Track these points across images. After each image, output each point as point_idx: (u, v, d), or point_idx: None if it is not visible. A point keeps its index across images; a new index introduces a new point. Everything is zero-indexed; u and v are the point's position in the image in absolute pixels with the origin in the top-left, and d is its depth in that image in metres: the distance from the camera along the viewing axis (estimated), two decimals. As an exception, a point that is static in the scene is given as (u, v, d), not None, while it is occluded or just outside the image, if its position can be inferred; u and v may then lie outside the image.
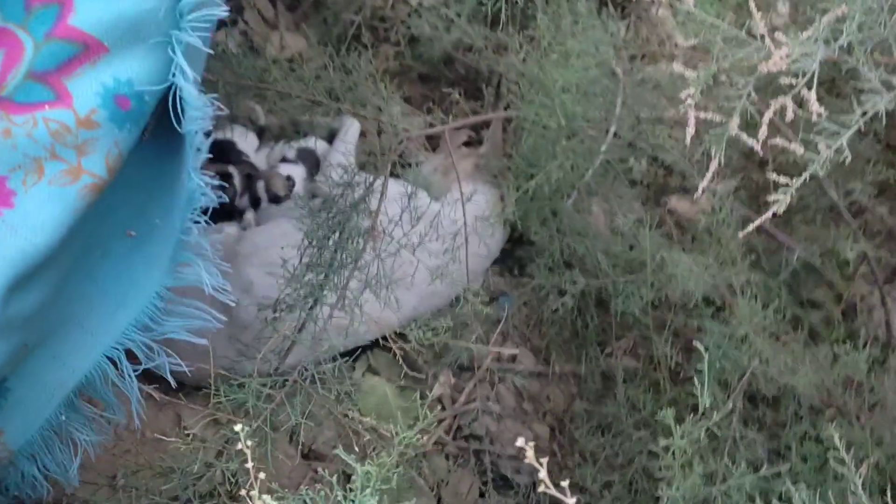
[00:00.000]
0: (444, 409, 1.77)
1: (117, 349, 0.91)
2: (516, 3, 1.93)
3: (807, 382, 1.45)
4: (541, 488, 0.69)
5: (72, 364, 0.88)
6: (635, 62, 1.84)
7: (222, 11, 0.79)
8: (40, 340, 0.86)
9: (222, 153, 1.89)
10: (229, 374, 1.14)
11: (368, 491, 0.75)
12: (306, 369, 1.10)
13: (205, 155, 0.81)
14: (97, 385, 0.91)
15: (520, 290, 1.78)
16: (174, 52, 0.76)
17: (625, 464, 1.53)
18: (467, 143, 2.06)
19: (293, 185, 1.85)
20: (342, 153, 1.86)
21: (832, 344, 1.56)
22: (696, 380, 1.30)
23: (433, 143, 2.10)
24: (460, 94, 2.14)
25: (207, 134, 0.82)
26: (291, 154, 1.98)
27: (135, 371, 0.93)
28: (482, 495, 1.66)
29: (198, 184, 0.81)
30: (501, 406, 1.80)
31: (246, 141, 2.01)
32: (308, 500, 0.78)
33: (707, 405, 1.02)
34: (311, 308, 1.13)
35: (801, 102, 0.78)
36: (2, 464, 0.87)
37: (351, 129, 1.96)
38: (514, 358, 1.85)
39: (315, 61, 2.20)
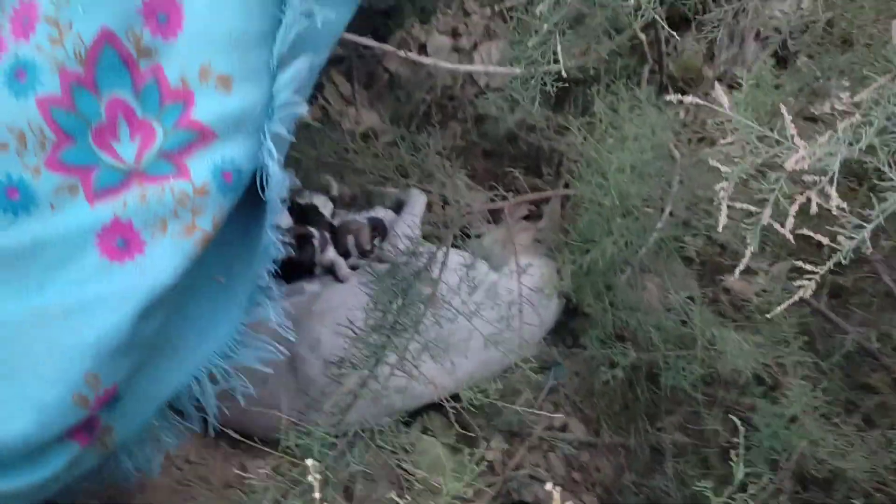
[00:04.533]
0: (494, 473, 1.81)
1: (202, 371, 1.10)
2: (578, 87, 2.06)
3: (858, 466, 1.45)
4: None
5: (167, 381, 1.08)
6: (693, 144, 1.92)
7: (303, 109, 1.02)
8: (148, 360, 1.05)
9: (305, 216, 2.03)
10: (296, 423, 1.23)
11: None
12: (367, 422, 1.18)
13: (280, 216, 1.03)
14: (183, 399, 1.11)
15: (572, 360, 1.83)
16: (265, 138, 0.99)
17: (672, 539, 1.55)
18: (527, 217, 2.15)
19: (382, 238, 1.97)
20: (408, 224, 1.97)
21: (886, 430, 1.56)
22: (735, 455, 1.33)
23: (495, 215, 2.20)
24: (522, 171, 2.25)
25: (283, 201, 1.05)
26: (363, 221, 2.10)
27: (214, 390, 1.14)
28: (529, 561, 1.68)
29: (272, 239, 1.03)
30: (551, 474, 1.83)
31: (325, 206, 2.15)
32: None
33: (741, 477, 1.05)
34: (374, 367, 1.22)
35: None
36: (107, 454, 1.05)
37: (418, 202, 2.07)
38: (564, 427, 1.89)
39: (387, 135, 2.36)
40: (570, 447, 1.81)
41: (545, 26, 1.59)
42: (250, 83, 0.97)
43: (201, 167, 0.98)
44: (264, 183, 1.00)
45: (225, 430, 1.66)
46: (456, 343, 1.35)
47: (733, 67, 2.28)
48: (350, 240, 1.94)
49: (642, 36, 2.22)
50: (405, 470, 1.46)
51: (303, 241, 1.86)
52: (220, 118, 0.97)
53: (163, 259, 0.96)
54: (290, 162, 2.01)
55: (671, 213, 1.80)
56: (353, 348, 1.27)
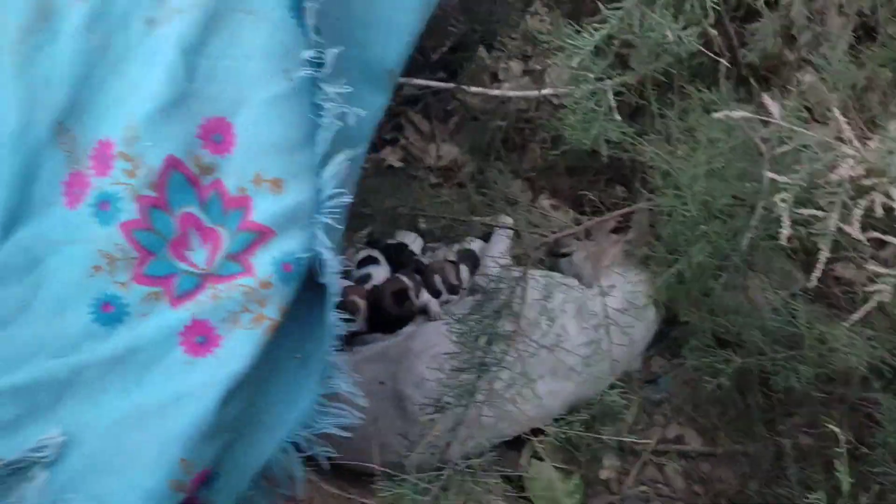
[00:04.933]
0: (611, 493, 1.80)
1: (287, 442, 1.20)
2: (654, 93, 2.03)
3: None
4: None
5: (258, 454, 1.19)
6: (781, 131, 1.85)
7: (348, 199, 1.13)
8: (238, 437, 1.16)
9: (399, 255, 2.11)
10: (391, 471, 1.30)
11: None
12: (457, 464, 1.23)
13: (336, 298, 1.13)
14: (273, 468, 1.20)
15: (676, 370, 1.80)
16: (317, 229, 1.11)
17: (803, 548, 1.48)
18: (616, 230, 2.13)
19: (475, 269, 2.02)
20: (497, 253, 2.00)
21: None
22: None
23: (587, 231, 2.19)
24: (604, 185, 2.23)
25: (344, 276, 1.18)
26: (453, 256, 2.14)
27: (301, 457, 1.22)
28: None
29: (334, 320, 1.14)
30: (671, 488, 1.80)
31: (414, 243, 2.22)
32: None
33: (848, 488, 1.01)
34: (465, 407, 1.26)
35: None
36: None
37: (505, 230, 2.10)
38: (679, 438, 1.86)
39: (468, 166, 2.41)
40: (686, 460, 1.78)
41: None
42: (299, 182, 1.09)
43: (263, 262, 1.09)
44: (319, 269, 1.11)
45: (341, 465, 1.76)
46: (543, 374, 1.36)
47: (817, 48, 2.18)
48: (437, 280, 2.00)
49: (713, 32, 2.17)
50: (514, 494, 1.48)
51: (401, 295, 1.93)
52: (276, 217, 1.09)
53: (237, 349, 1.06)
54: (377, 205, 2.11)
55: (764, 209, 1.74)
56: (442, 388, 1.30)
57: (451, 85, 2.10)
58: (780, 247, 1.78)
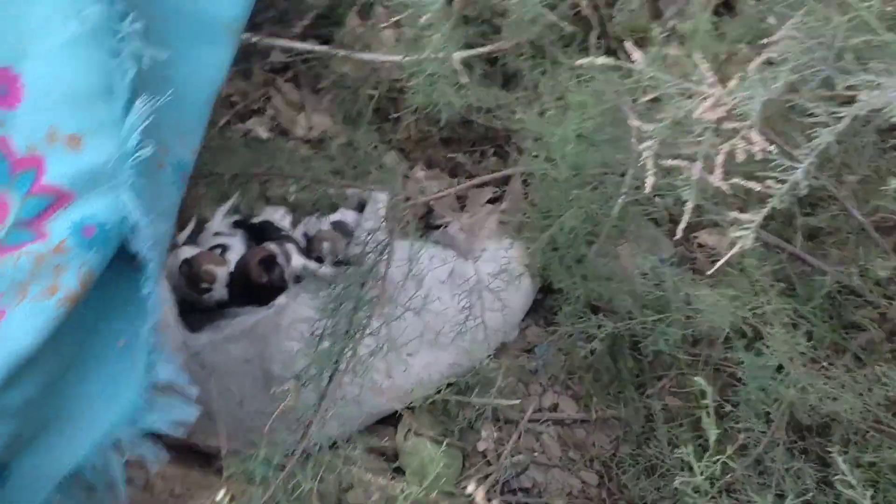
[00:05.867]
0: (489, 463, 1.78)
1: (106, 441, 1.05)
2: (526, 62, 2.01)
3: (850, 408, 1.42)
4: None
5: (65, 456, 1.03)
6: (649, 104, 1.88)
7: (148, 152, 0.96)
8: (36, 433, 1.00)
9: (263, 233, 1.99)
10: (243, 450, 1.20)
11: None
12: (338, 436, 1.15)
13: (154, 267, 0.98)
14: (87, 472, 1.05)
15: (552, 338, 1.80)
16: (121, 190, 0.96)
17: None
18: (491, 201, 2.11)
19: (348, 242, 1.93)
20: (371, 224, 1.93)
21: (875, 366, 1.53)
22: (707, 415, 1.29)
23: (460, 202, 2.16)
24: (480, 154, 2.21)
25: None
26: (326, 227, 2.06)
27: (124, 460, 1.07)
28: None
29: (152, 295, 0.99)
30: (547, 455, 1.81)
31: (283, 220, 2.11)
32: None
33: (714, 440, 1.02)
34: (330, 379, 1.18)
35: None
36: None
37: (379, 201, 2.03)
38: (555, 406, 1.86)
39: (341, 137, 2.32)
40: (561, 427, 1.78)
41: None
42: (101, 137, 0.95)
43: (59, 227, 0.95)
44: (130, 236, 0.97)
45: (209, 454, 1.64)
46: (417, 347, 1.31)
47: (680, 21, 2.23)
48: (325, 247, 1.91)
49: (583, 2, 2.18)
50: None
51: (268, 262, 1.82)
52: (74, 177, 0.95)
53: (22, 324, 0.92)
54: (244, 178, 1.98)
55: (634, 177, 1.76)
56: (308, 360, 1.23)
57: (323, 48, 2.00)
58: (648, 213, 1.82)
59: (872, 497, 1.37)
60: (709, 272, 1.07)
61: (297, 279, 1.88)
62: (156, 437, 1.07)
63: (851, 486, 0.96)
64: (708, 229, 2.08)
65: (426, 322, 1.40)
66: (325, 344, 1.20)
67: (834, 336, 1.61)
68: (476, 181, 1.65)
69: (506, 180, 1.93)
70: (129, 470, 1.13)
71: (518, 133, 1.82)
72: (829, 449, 1.50)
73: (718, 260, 1.93)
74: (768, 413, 1.50)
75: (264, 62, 2.44)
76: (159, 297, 0.99)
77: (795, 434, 1.55)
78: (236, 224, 2.03)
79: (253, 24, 1.98)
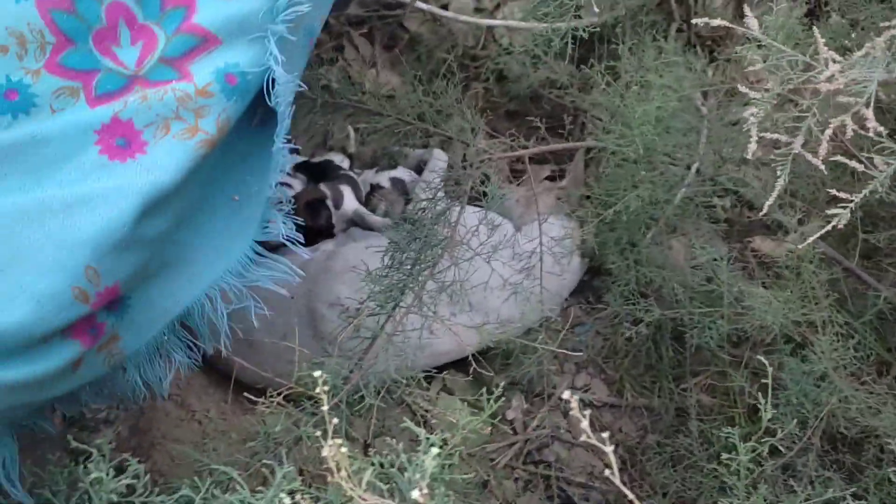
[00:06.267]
0: (515, 433, 1.80)
1: (214, 289, 1.09)
2: (602, 40, 2.01)
3: (889, 424, 1.41)
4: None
5: (178, 296, 1.07)
6: (721, 101, 1.87)
7: (305, 7, 0.98)
8: (157, 271, 1.04)
9: (322, 172, 2.01)
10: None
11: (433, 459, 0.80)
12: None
13: (287, 123, 1.00)
14: (195, 316, 1.10)
15: (595, 318, 1.81)
16: (269, 41, 0.97)
17: (696, 497, 1.52)
18: (550, 178, 2.12)
19: (406, 200, 1.94)
20: (429, 182, 1.94)
21: (920, 388, 1.51)
22: (766, 412, 1.29)
23: (518, 176, 2.16)
24: (546, 130, 2.21)
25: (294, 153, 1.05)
26: (385, 181, 2.07)
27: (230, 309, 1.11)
28: (550, 520, 1.67)
29: (282, 149, 1.01)
30: (573, 434, 1.81)
31: (343, 163, 2.12)
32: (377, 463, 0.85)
33: (769, 418, 1.02)
34: (391, 310, 1.20)
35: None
36: (114, 364, 1.04)
37: (439, 160, 2.05)
38: (587, 388, 1.87)
39: (409, 97, 2.33)
40: (590, 408, 1.79)
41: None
42: None
43: (204, 70, 0.96)
44: (270, 88, 0.98)
45: (246, 385, 1.67)
46: (475, 288, 1.31)
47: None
48: (383, 206, 1.91)
49: (670, -9, 2.16)
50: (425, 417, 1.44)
51: (316, 205, 1.84)
52: (223, 22, 0.95)
53: (165, 158, 0.94)
54: (307, 121, 2.00)
55: (698, 171, 1.76)
56: (370, 291, 1.24)
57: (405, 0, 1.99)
58: (707, 209, 1.81)
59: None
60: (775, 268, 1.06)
61: (352, 223, 1.89)
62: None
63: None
64: (762, 236, 2.06)
65: (487, 273, 1.41)
66: (393, 276, 1.22)
67: (881, 352, 1.59)
68: (544, 148, 1.66)
69: (569, 157, 1.93)
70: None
71: (587, 112, 1.82)
72: (862, 465, 1.49)
73: (772, 265, 1.93)
74: (805, 421, 1.49)
75: (340, 13, 2.46)
76: (286, 153, 1.01)
77: (829, 444, 1.54)
78: (296, 167, 2.05)
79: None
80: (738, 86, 0.90)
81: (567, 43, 1.80)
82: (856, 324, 1.60)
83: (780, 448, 1.47)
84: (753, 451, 1.07)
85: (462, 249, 1.26)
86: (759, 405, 1.61)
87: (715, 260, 1.72)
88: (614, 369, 1.86)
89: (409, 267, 1.22)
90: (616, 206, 1.53)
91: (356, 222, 1.82)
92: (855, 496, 1.43)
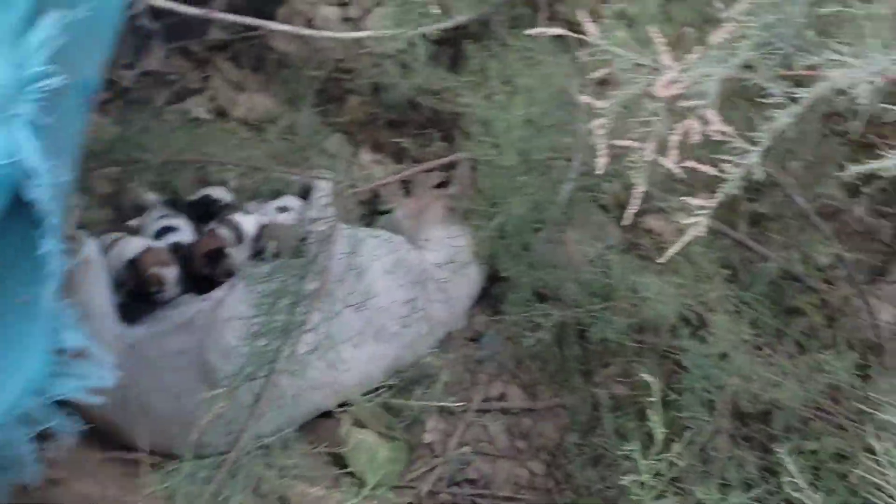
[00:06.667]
0: (435, 455, 1.75)
1: (10, 415, 0.92)
2: (474, 44, 1.97)
3: (792, 395, 1.43)
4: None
5: None
6: (596, 89, 1.85)
7: (58, 82, 0.80)
8: None
9: (205, 209, 1.89)
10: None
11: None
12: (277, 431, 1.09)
13: (55, 220, 0.83)
14: None
15: (498, 327, 1.77)
16: (18, 125, 0.79)
17: (617, 496, 1.51)
18: (440, 185, 2.07)
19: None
20: (317, 211, 1.86)
21: (815, 353, 1.54)
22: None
23: (407, 186, 2.10)
24: (432, 136, 2.16)
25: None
26: (270, 213, 1.96)
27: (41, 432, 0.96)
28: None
29: (51, 250, 0.84)
30: (494, 446, 1.78)
31: (224, 196, 2.01)
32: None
33: (663, 438, 1.00)
34: (267, 378, 1.12)
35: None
36: None
37: (321, 188, 1.96)
38: (502, 396, 1.84)
39: (284, 118, 2.23)
40: (508, 416, 1.76)
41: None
42: None
43: None
44: (24, 181, 0.81)
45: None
46: (362, 338, 1.26)
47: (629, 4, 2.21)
48: (272, 245, 1.80)
49: (530, -19, 2.14)
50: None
51: (215, 255, 1.74)
52: None
53: None
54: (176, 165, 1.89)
55: (581, 163, 1.74)
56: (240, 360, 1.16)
57: (261, 22, 1.90)
58: (595, 199, 1.80)
59: (813, 484, 1.38)
60: (659, 261, 1.05)
61: (258, 246, 1.78)
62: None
63: (792, 476, 0.95)
64: (654, 214, 2.07)
65: (368, 317, 1.35)
66: (262, 342, 1.14)
67: (776, 322, 1.62)
68: (423, 167, 1.61)
69: (454, 165, 1.89)
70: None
71: (465, 117, 1.78)
72: (772, 433, 1.51)
73: (665, 245, 1.93)
74: (712, 401, 1.50)
75: (202, 39, 2.34)
76: (60, 256, 0.85)
77: (739, 422, 1.55)
78: (171, 203, 1.93)
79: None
80: (579, 98, 0.86)
81: (425, 48, 1.76)
82: (748, 296, 1.62)
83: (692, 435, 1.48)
84: (655, 465, 1.05)
85: (332, 301, 1.19)
86: (668, 393, 1.62)
87: (608, 248, 1.71)
88: (526, 373, 1.83)
89: (280, 328, 1.15)
90: (499, 216, 1.50)
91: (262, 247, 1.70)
92: (769, 470, 1.44)
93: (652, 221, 2.07)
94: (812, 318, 1.69)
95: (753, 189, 1.90)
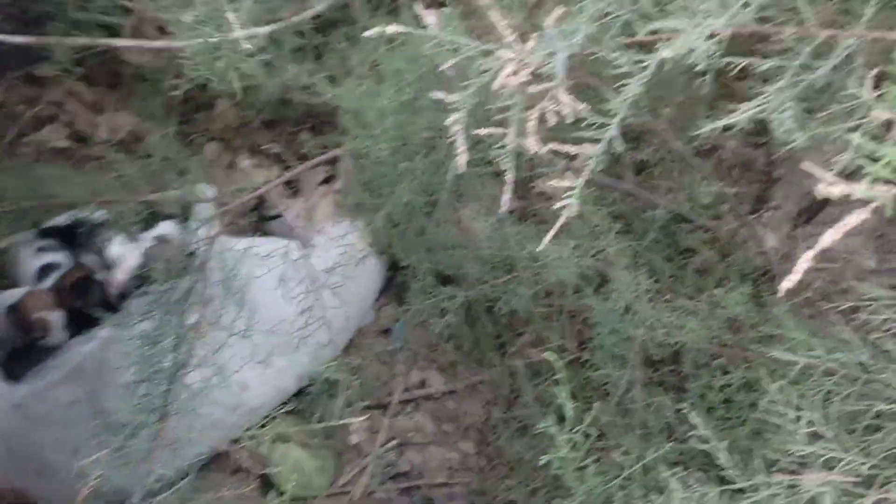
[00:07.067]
0: (364, 454, 1.72)
1: None
2: (339, 31, 1.90)
3: (696, 335, 1.46)
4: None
5: None
6: (472, 58, 1.83)
7: None
8: None
9: (72, 234, 1.77)
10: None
11: None
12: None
13: None
14: None
15: (406, 317, 1.75)
16: None
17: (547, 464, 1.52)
18: (326, 181, 2.01)
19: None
20: (202, 232, 1.77)
21: (712, 291, 1.58)
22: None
23: (293, 187, 2.04)
24: (308, 133, 2.10)
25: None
26: (148, 244, 1.85)
27: None
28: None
29: None
30: (422, 434, 1.77)
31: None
32: None
33: (575, 410, 1.01)
34: (157, 422, 1.06)
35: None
36: None
37: (203, 207, 1.87)
38: (423, 383, 1.82)
39: (151, 134, 2.11)
40: (432, 402, 1.75)
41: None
42: None
43: None
44: None
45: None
46: (247, 361, 1.20)
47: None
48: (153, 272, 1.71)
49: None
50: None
51: (83, 283, 1.63)
52: None
53: None
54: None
55: (465, 137, 1.71)
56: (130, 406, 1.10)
57: (114, 40, 1.78)
58: (484, 172, 1.78)
59: (725, 417, 1.43)
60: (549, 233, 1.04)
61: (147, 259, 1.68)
62: None
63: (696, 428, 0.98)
64: (544, 178, 2.09)
65: (261, 339, 1.30)
66: (144, 388, 1.07)
67: (672, 267, 1.66)
68: (305, 165, 1.55)
69: (337, 159, 1.83)
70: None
71: (337, 109, 1.72)
72: (683, 373, 1.55)
73: (560, 206, 1.95)
74: (623, 355, 1.52)
75: (47, 63, 2.18)
76: None
77: (651, 369, 1.59)
78: (44, 233, 1.79)
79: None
80: (434, 92, 0.84)
81: (288, 42, 1.68)
82: (643, 246, 1.65)
83: (608, 391, 1.50)
84: (571, 438, 1.05)
85: (216, 330, 1.13)
86: (580, 355, 1.65)
87: (501, 220, 1.70)
88: (442, 356, 1.82)
89: (166, 370, 1.08)
90: (386, 206, 1.46)
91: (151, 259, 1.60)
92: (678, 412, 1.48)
93: (541, 182, 2.08)
94: (705, 255, 1.74)
95: (633, 139, 1.93)
